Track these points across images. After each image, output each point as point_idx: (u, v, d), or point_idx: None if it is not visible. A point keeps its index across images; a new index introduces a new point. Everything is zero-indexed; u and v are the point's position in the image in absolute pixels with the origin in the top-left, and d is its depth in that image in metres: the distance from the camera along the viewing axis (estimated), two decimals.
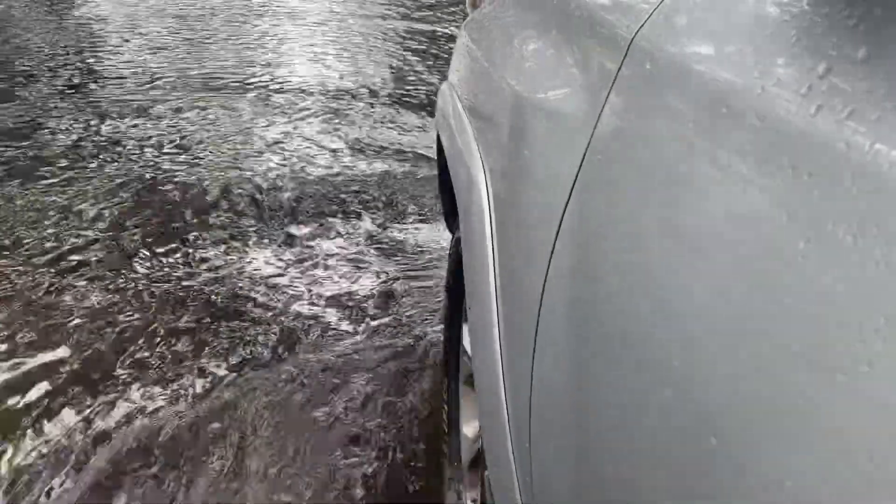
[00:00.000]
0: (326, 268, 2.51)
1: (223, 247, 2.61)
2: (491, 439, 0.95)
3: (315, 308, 2.29)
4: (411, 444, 1.77)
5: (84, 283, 2.35)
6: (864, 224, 0.36)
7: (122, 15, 5.85)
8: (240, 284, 2.39)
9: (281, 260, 2.55)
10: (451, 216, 1.61)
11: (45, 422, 1.79)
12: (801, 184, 0.41)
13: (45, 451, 1.71)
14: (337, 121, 3.81)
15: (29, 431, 1.76)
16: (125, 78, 4.35)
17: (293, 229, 2.75)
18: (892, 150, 0.36)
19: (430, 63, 4.88)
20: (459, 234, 1.21)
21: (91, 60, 4.67)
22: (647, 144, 0.60)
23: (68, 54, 4.76)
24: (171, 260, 2.51)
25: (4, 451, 1.70)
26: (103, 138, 3.51)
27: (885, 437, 0.33)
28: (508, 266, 0.89)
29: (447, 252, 1.89)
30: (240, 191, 3.00)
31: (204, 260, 2.53)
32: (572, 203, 0.69)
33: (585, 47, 0.80)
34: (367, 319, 2.25)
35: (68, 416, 1.81)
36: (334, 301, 2.33)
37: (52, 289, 2.31)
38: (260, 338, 2.13)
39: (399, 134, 3.69)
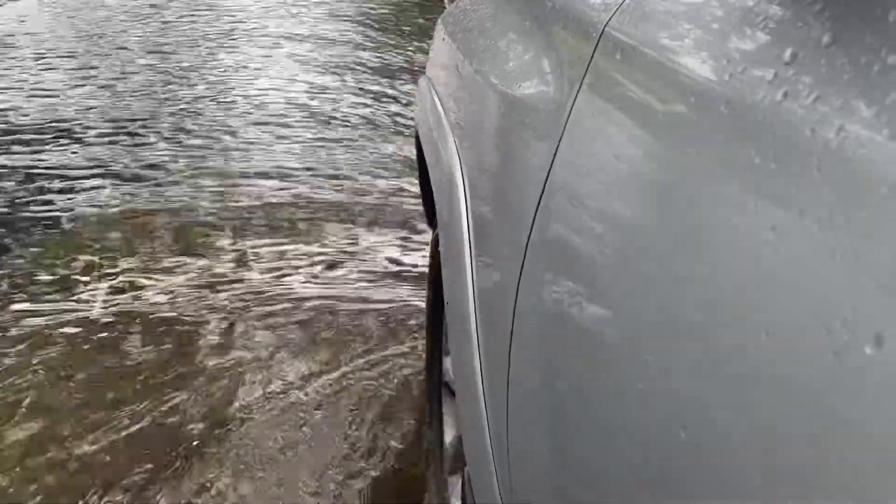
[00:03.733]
0: None
1: None
2: (470, 437, 0.94)
3: None
4: None
5: None
6: (831, 211, 0.36)
7: None
8: None
9: None
10: (432, 212, 1.60)
11: None
12: (768, 171, 0.40)
13: None
14: None
15: None
16: None
17: None
18: (857, 135, 0.35)
19: None
20: (439, 230, 1.20)
21: None
22: (618, 134, 0.60)
23: None
24: None
25: None
26: None
27: (851, 429, 0.32)
28: (485, 261, 0.88)
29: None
30: None
31: None
32: (546, 195, 0.68)
33: (558, 38, 0.79)
34: None
35: None
36: None
37: None
38: None
39: None
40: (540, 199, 0.68)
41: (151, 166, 3.12)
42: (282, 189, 2.96)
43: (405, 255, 2.53)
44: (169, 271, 2.36)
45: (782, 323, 0.37)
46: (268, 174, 3.08)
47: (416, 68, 4.48)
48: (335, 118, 3.76)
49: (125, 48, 4.79)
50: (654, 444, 0.47)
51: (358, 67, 4.58)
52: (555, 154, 0.67)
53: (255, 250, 2.51)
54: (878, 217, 0.33)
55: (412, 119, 3.26)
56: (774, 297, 0.38)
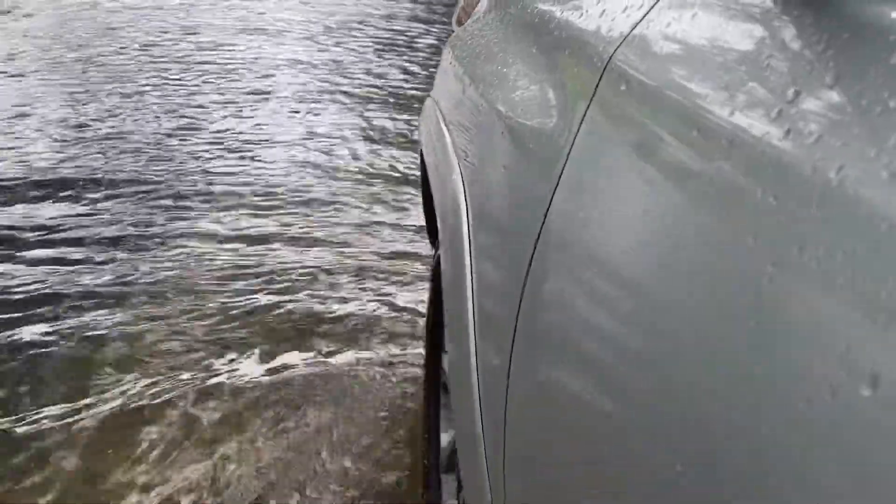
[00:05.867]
0: None
1: None
2: (466, 457, 0.94)
3: None
4: None
5: None
6: (830, 249, 0.36)
7: None
8: None
9: None
10: (434, 232, 1.61)
11: None
12: (768, 207, 0.41)
13: None
14: None
15: None
16: None
17: None
18: (858, 175, 0.36)
19: None
20: (440, 250, 1.21)
21: None
22: (620, 165, 0.60)
23: None
24: None
25: None
26: None
27: (845, 462, 0.32)
28: (485, 283, 0.88)
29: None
30: None
31: None
32: (548, 222, 0.69)
33: (564, 67, 0.80)
34: None
35: None
36: None
37: None
38: None
39: None
40: (541, 227, 0.69)
41: None
42: None
43: None
44: None
45: (780, 357, 0.37)
46: None
47: None
48: None
49: None
50: (650, 463, 0.47)
51: None
52: (557, 183, 0.68)
53: None
54: (876, 256, 0.34)
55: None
56: (772, 333, 0.38)
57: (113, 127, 3.82)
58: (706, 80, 0.53)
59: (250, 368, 2.08)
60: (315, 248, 2.75)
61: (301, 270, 2.60)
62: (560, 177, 0.68)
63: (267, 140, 3.76)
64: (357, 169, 3.46)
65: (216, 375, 2.04)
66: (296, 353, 2.17)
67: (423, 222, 1.77)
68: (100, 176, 3.26)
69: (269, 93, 4.42)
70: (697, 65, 0.55)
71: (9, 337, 2.19)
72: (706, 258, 0.46)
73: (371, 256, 2.71)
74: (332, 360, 2.13)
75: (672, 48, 0.59)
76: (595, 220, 0.63)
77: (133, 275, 2.53)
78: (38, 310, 2.31)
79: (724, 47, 0.53)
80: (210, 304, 2.37)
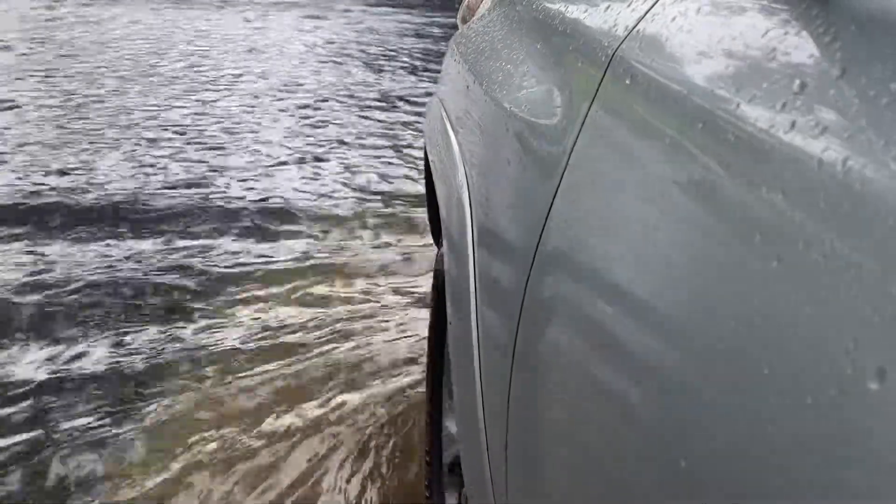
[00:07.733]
0: None
1: None
2: (468, 458, 0.93)
3: None
4: None
5: None
6: (837, 244, 0.36)
7: None
8: None
9: None
10: (438, 230, 1.60)
11: None
12: (774, 201, 0.40)
13: None
14: None
15: None
16: None
17: None
18: (864, 168, 0.35)
19: None
20: (444, 249, 1.20)
21: None
22: (625, 160, 0.60)
23: None
24: None
25: None
26: None
27: (849, 464, 0.32)
28: (489, 281, 0.88)
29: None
30: None
31: None
32: (551, 219, 0.68)
33: (568, 62, 0.80)
34: None
35: None
36: None
37: None
38: None
39: None
40: (544, 224, 0.68)
41: None
42: None
43: None
44: None
45: (786, 353, 0.37)
46: None
47: None
48: None
49: None
50: (653, 476, 0.47)
51: None
52: (560, 179, 0.67)
53: None
54: (883, 250, 0.33)
55: None
56: (777, 330, 0.38)
57: None
58: (711, 74, 0.52)
59: None
60: None
61: None
62: (563, 173, 0.67)
63: None
64: None
65: None
66: None
67: None
68: None
69: None
70: (703, 58, 0.55)
71: None
72: (711, 253, 0.45)
73: None
74: None
75: (677, 42, 0.59)
76: (598, 216, 0.62)
77: None
78: None
79: (729, 41, 0.52)
80: None
